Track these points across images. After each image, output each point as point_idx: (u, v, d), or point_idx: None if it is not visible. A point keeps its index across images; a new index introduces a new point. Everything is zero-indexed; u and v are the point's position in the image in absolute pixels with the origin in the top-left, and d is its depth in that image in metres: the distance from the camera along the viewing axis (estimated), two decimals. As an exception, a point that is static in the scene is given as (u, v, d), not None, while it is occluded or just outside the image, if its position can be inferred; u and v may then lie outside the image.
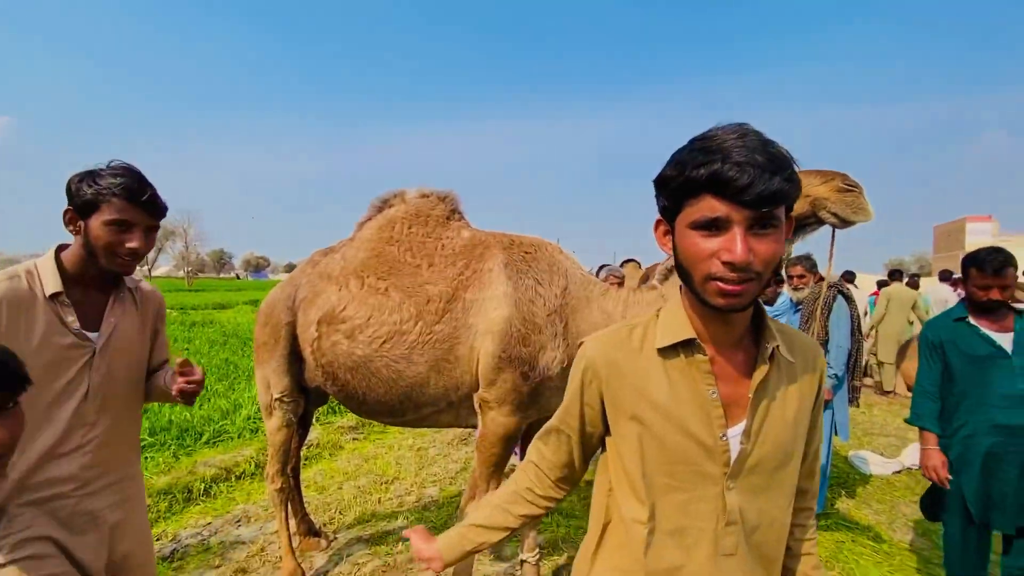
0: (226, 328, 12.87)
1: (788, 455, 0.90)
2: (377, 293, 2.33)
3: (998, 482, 2.13)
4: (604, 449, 1.02)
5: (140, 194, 1.38)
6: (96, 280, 1.45)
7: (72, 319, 1.38)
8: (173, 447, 4.57)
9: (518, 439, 2.34)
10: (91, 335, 1.42)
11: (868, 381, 7.77)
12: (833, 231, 1.89)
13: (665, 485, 0.89)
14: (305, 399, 2.71)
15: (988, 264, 2.13)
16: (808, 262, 3.61)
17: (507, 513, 1.07)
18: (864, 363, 7.46)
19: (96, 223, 1.36)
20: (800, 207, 1.81)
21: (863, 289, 9.63)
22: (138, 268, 1.56)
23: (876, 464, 4.52)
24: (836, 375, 3.31)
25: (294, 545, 2.84)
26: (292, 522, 2.97)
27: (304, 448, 4.59)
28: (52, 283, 1.36)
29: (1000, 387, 2.11)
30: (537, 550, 2.63)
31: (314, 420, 5.35)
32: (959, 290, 8.21)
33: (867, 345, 7.52)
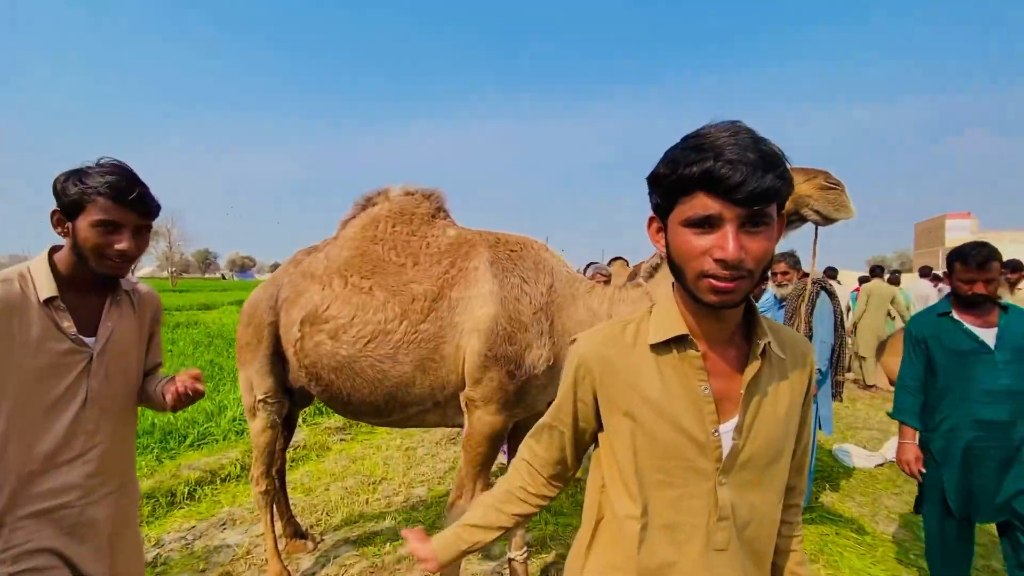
0: (211, 329, 12.68)
1: (779, 451, 0.91)
2: (361, 292, 2.31)
3: (978, 476, 2.16)
4: (597, 445, 1.03)
5: (127, 193, 1.31)
6: (91, 283, 1.40)
7: (68, 324, 1.33)
8: (156, 450, 4.49)
9: (505, 438, 2.33)
10: (88, 340, 1.37)
11: (851, 376, 7.90)
12: (816, 228, 1.91)
13: (658, 481, 0.89)
14: (290, 400, 2.68)
15: (972, 258, 2.14)
16: (792, 259, 3.65)
17: (500, 512, 1.07)
18: (848, 358, 7.61)
19: (83, 224, 1.30)
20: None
21: (846, 285, 9.79)
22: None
23: (859, 457, 4.60)
24: (820, 370, 3.35)
25: (280, 548, 2.81)
26: (278, 524, 2.93)
27: (291, 449, 4.56)
28: (46, 287, 1.31)
29: (982, 382, 2.12)
30: (525, 548, 2.62)
31: (301, 421, 5.30)
32: (939, 286, 8.38)
33: (849, 340, 7.65)
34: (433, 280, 2.28)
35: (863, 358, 7.69)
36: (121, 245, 1.33)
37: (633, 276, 4.40)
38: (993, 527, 2.30)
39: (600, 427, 0.99)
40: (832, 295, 3.54)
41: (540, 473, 1.06)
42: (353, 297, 2.30)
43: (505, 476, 1.11)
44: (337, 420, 5.56)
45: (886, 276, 8.59)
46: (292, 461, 4.48)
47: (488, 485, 2.33)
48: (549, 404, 1.05)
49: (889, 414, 2.47)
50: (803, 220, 1.89)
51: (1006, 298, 2.65)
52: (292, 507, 3.22)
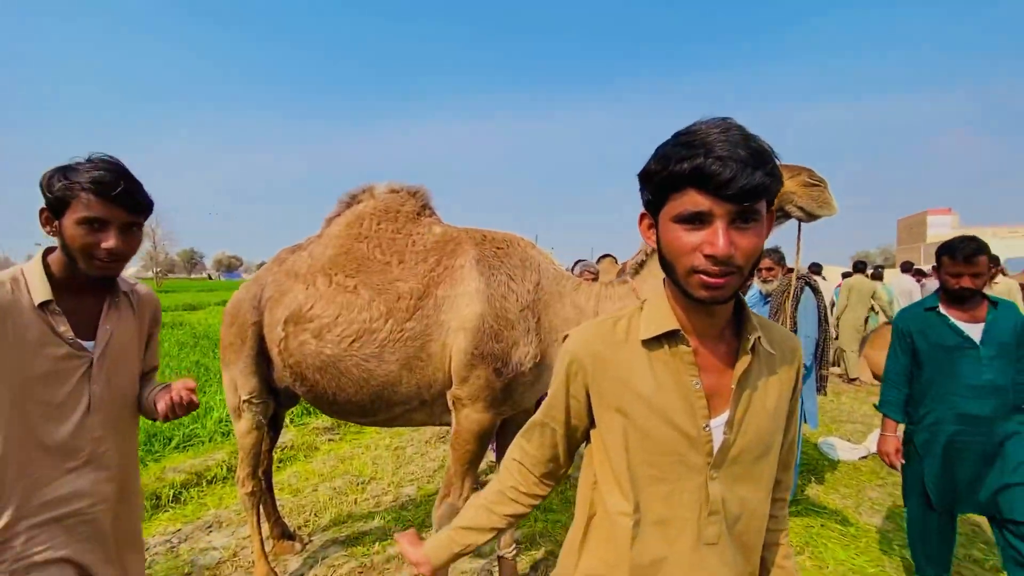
0: (196, 330, 12.53)
1: (768, 445, 0.92)
2: (346, 291, 2.28)
3: (960, 470, 2.18)
4: (588, 442, 1.03)
5: (112, 188, 1.24)
6: (87, 284, 1.35)
7: (64, 328, 1.29)
8: (141, 453, 4.42)
9: (492, 436, 2.32)
10: (87, 344, 1.33)
11: (835, 370, 8.01)
12: (799, 225, 1.93)
13: (649, 476, 0.89)
14: (275, 400, 2.65)
15: (959, 251, 2.14)
16: (776, 255, 3.69)
17: (492, 513, 1.06)
18: (833, 353, 7.72)
19: (69, 222, 1.25)
20: None
21: (830, 281, 9.91)
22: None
23: (844, 450, 4.66)
24: (805, 365, 3.39)
25: (267, 549, 2.78)
26: (265, 526, 2.91)
27: (279, 450, 4.52)
28: (41, 291, 1.27)
29: (966, 377, 2.14)
30: (514, 545, 2.62)
31: (288, 422, 5.26)
32: (922, 281, 8.52)
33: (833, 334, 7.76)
34: (419, 278, 2.26)
35: (844, 351, 7.82)
36: (108, 243, 1.27)
37: (621, 273, 4.43)
38: (973, 516, 2.34)
39: (592, 424, 0.99)
40: (816, 291, 3.58)
41: (532, 472, 1.06)
42: (338, 296, 2.28)
43: (496, 476, 1.11)
44: (325, 420, 5.52)
45: (869, 272, 8.70)
46: (280, 462, 4.44)
47: (476, 482, 2.33)
48: (536, 401, 1.05)
49: (876, 406, 2.51)
50: (787, 216, 1.91)
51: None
52: (280, 508, 3.19)
